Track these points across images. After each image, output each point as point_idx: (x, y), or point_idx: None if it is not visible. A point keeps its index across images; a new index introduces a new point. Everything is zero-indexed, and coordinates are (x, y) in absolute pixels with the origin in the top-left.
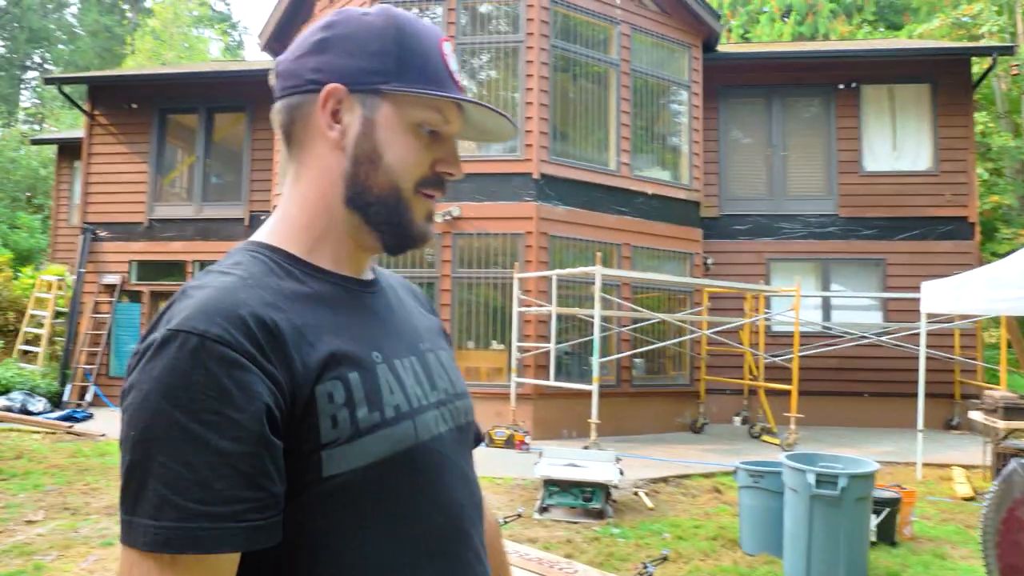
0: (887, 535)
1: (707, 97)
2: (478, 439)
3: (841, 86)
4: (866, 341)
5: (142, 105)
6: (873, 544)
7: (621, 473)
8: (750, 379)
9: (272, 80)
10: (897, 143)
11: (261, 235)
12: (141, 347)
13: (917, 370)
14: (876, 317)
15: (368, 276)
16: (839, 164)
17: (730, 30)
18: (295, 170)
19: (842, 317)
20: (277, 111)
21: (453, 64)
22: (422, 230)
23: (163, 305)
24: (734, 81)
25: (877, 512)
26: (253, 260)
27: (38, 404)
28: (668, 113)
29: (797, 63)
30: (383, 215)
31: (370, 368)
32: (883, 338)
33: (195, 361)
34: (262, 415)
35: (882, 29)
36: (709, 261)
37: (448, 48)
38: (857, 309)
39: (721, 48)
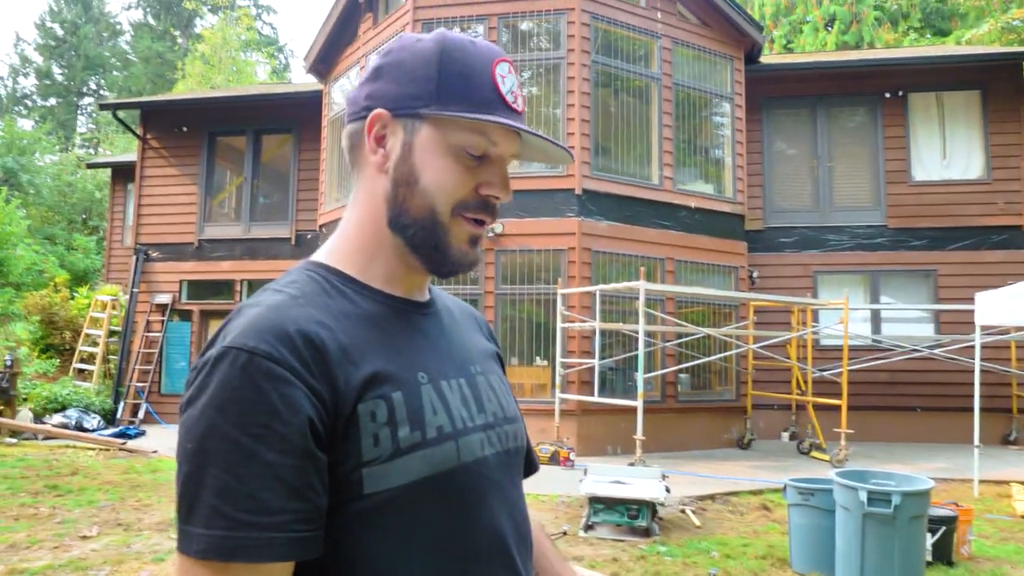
0: (944, 555)
1: (750, 109)
2: (532, 466)
3: (888, 95)
4: (918, 354)
5: (192, 128)
6: (929, 564)
7: (667, 490)
8: (798, 394)
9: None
10: (947, 151)
11: (320, 254)
12: (199, 362)
13: (972, 383)
14: (928, 329)
15: (423, 297)
16: (887, 174)
17: (772, 41)
18: (354, 192)
19: (892, 330)
20: (343, 136)
21: (507, 85)
22: (459, 255)
23: (214, 323)
24: (777, 92)
25: (933, 531)
26: (308, 279)
27: (92, 421)
28: (711, 126)
29: (842, 72)
30: (420, 238)
31: (414, 388)
32: (936, 351)
33: (245, 377)
34: (306, 429)
35: (929, 36)
36: (754, 274)
37: (503, 69)
38: (908, 321)
39: (764, 59)
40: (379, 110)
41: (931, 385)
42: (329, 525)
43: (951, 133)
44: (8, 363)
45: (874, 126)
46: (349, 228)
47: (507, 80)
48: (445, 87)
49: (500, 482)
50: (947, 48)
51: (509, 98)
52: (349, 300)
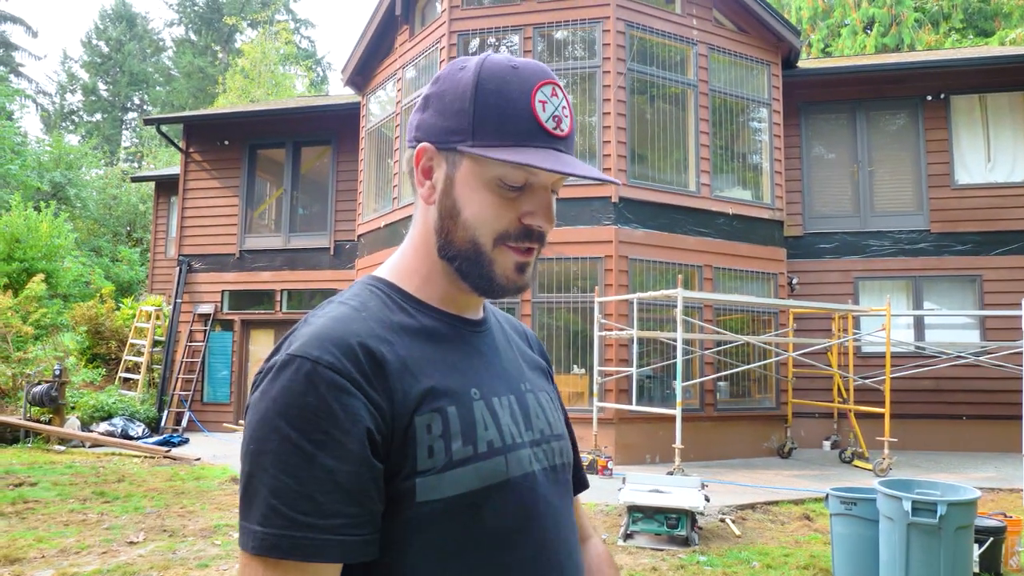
0: (991, 566)
1: (788, 114)
2: (582, 482)
3: (929, 97)
4: (963, 361)
5: (233, 141)
6: None
7: (707, 499)
8: (839, 402)
9: None
10: (991, 154)
11: (382, 270)
12: (265, 367)
13: (1020, 391)
14: (973, 336)
15: (477, 315)
16: (929, 178)
17: (810, 45)
18: (415, 214)
19: (936, 336)
20: (403, 160)
21: (547, 111)
22: (506, 282)
23: (255, 333)
24: (816, 97)
25: (980, 542)
26: (371, 294)
27: (137, 429)
28: (748, 132)
29: (881, 76)
30: (466, 267)
31: (467, 403)
32: (981, 358)
33: (308, 384)
34: (364, 438)
35: (971, 37)
36: (794, 281)
37: (545, 93)
38: (952, 328)
39: (802, 64)
40: (424, 144)
41: (977, 392)
42: (381, 531)
43: (995, 135)
44: (57, 372)
45: (915, 129)
46: (408, 249)
47: (548, 105)
48: (479, 122)
49: (547, 496)
50: (990, 49)
51: (550, 125)
52: (409, 315)
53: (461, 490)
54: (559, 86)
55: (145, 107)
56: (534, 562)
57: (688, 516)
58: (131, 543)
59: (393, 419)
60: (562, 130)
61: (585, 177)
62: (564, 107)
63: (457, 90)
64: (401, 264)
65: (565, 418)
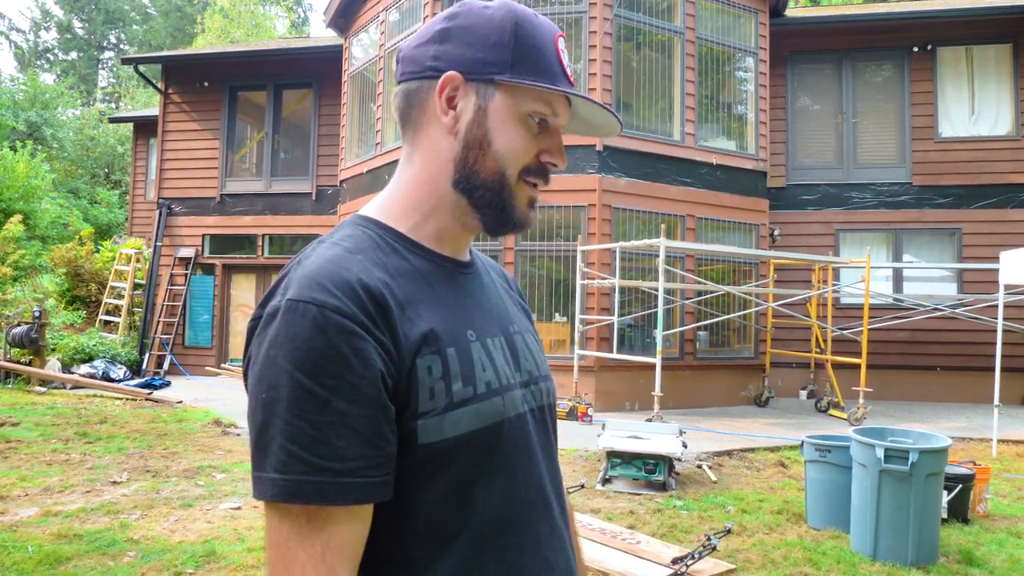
0: (959, 512)
1: (774, 64)
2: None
3: (916, 49)
4: (940, 313)
5: (213, 83)
6: (944, 521)
7: (684, 446)
8: (817, 352)
9: (394, 65)
10: (976, 107)
11: (370, 210)
12: (262, 313)
13: (994, 343)
14: (951, 289)
15: (466, 257)
16: (913, 130)
17: None
18: (408, 151)
19: (915, 289)
20: (396, 95)
21: (566, 60)
22: (523, 215)
23: (236, 277)
24: (802, 47)
25: (949, 489)
26: (362, 235)
27: (119, 371)
28: (734, 81)
29: (869, 26)
30: (487, 199)
31: (464, 345)
32: (958, 310)
33: (315, 330)
34: (378, 381)
35: None
36: (776, 232)
37: (562, 44)
38: (931, 281)
39: (789, 12)
40: (451, 72)
41: (952, 344)
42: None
43: (980, 88)
44: (36, 314)
45: (901, 81)
46: (402, 186)
47: (565, 54)
48: (521, 56)
49: (537, 436)
50: (978, 0)
51: (569, 71)
52: (402, 257)
53: (461, 431)
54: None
55: (122, 46)
56: (531, 501)
57: (666, 462)
58: (114, 483)
59: (399, 361)
60: (572, 79)
61: (605, 108)
62: (570, 61)
63: (492, 24)
64: (394, 202)
65: None
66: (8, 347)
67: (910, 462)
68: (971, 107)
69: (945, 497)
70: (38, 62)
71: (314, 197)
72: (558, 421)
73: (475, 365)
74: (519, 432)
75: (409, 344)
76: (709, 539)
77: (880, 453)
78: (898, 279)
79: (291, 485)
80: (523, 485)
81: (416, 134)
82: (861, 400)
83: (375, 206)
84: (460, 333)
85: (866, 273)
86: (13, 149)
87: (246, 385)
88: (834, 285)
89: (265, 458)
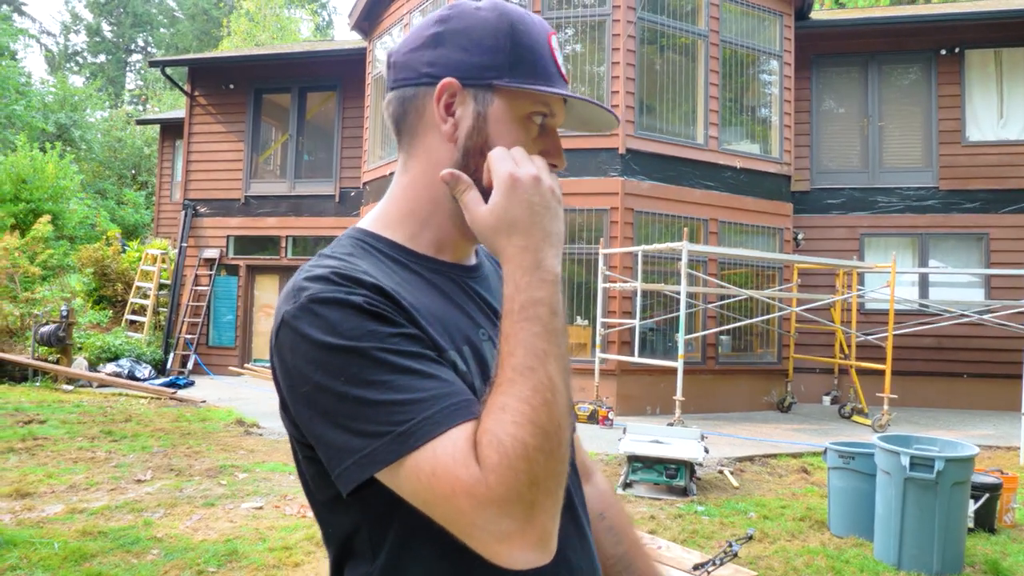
0: (986, 522)
1: (799, 67)
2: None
3: (943, 51)
4: (966, 319)
5: (239, 85)
6: (971, 531)
7: (706, 451)
8: (841, 358)
9: (385, 71)
10: (1004, 110)
11: (367, 222)
12: (283, 321)
13: (1022, 350)
14: (978, 294)
15: (471, 261)
16: (940, 134)
17: None
18: (404, 159)
19: (941, 294)
20: (389, 101)
21: (560, 58)
22: None
23: (260, 278)
24: (828, 49)
25: (975, 498)
26: (363, 251)
27: (144, 371)
28: (758, 84)
29: (895, 28)
30: None
31: (478, 344)
32: (985, 316)
33: (347, 310)
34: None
35: None
36: (799, 236)
37: (555, 42)
38: (957, 286)
39: (814, 15)
40: (448, 79)
41: (979, 351)
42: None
43: (1009, 91)
44: (64, 313)
45: (928, 84)
46: (399, 194)
47: (558, 53)
48: (517, 59)
49: None
50: (1008, 2)
51: (563, 69)
52: (404, 267)
53: None
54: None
55: (149, 49)
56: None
57: (687, 467)
58: (139, 481)
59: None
60: (567, 78)
61: (599, 106)
62: (563, 58)
63: (487, 27)
64: (391, 212)
65: None
66: (36, 345)
67: (936, 470)
68: (999, 111)
69: (971, 506)
70: (68, 65)
71: (337, 199)
72: (580, 425)
73: (490, 365)
74: None
75: (436, 341)
76: (730, 545)
77: (905, 461)
78: (924, 284)
79: (435, 415)
80: None
81: (413, 142)
82: (885, 406)
83: (371, 218)
84: (472, 333)
85: (891, 278)
86: (43, 150)
87: (282, 394)
88: (859, 290)
89: (368, 423)
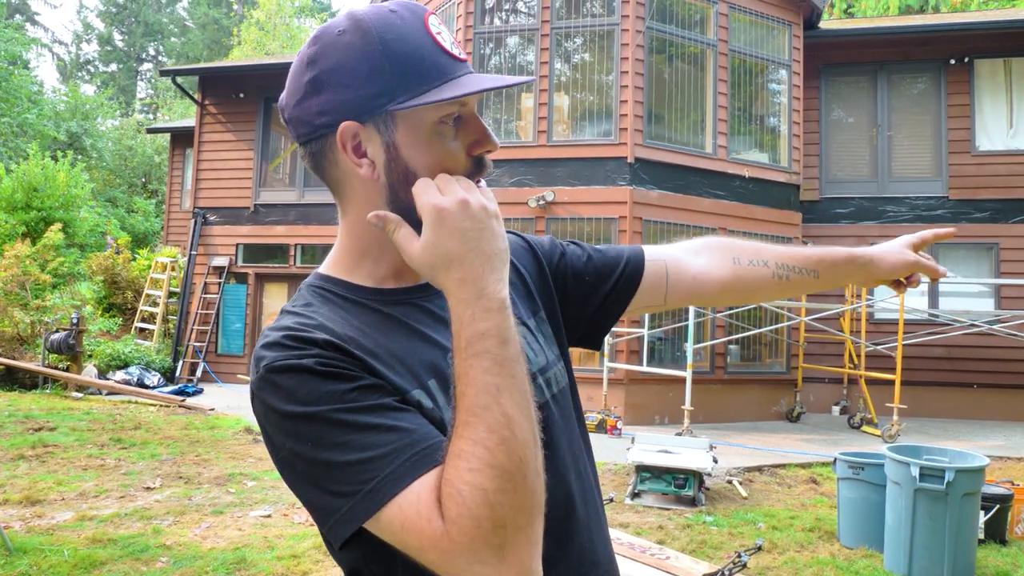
0: (997, 533)
1: (808, 76)
2: (636, 262)
3: (953, 61)
4: (977, 329)
5: (248, 94)
6: (981, 542)
7: (715, 461)
8: (850, 368)
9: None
10: (1014, 120)
11: (325, 266)
12: (254, 387)
13: None
14: (988, 304)
15: None
16: (949, 144)
17: (832, 5)
18: (341, 207)
19: (951, 304)
20: (303, 156)
21: (446, 39)
22: None
23: (269, 286)
24: (837, 59)
25: (986, 509)
26: (322, 300)
27: (153, 378)
28: (767, 93)
29: (905, 38)
30: None
31: (445, 372)
32: (995, 326)
33: (297, 376)
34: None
35: None
36: (809, 245)
37: (435, 23)
38: (967, 296)
39: (823, 24)
40: (345, 123)
41: (989, 361)
42: None
43: (1019, 100)
44: (74, 321)
45: (937, 94)
46: (347, 238)
47: (443, 35)
48: (401, 75)
49: (561, 425)
50: (1017, 12)
51: (455, 51)
52: (364, 307)
53: None
54: (434, 12)
55: (160, 58)
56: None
57: (696, 477)
58: (148, 488)
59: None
60: (462, 54)
61: (512, 85)
62: (447, 32)
63: (357, 54)
64: (342, 256)
65: (575, 253)
66: (47, 353)
67: (946, 481)
68: (1009, 120)
69: (982, 517)
70: (79, 74)
71: None
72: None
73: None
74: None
75: (392, 386)
76: (739, 556)
77: (915, 471)
78: (934, 294)
79: (403, 465)
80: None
81: (341, 190)
82: (895, 417)
83: (328, 262)
84: (438, 361)
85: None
86: (54, 159)
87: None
88: (868, 300)
89: (343, 483)
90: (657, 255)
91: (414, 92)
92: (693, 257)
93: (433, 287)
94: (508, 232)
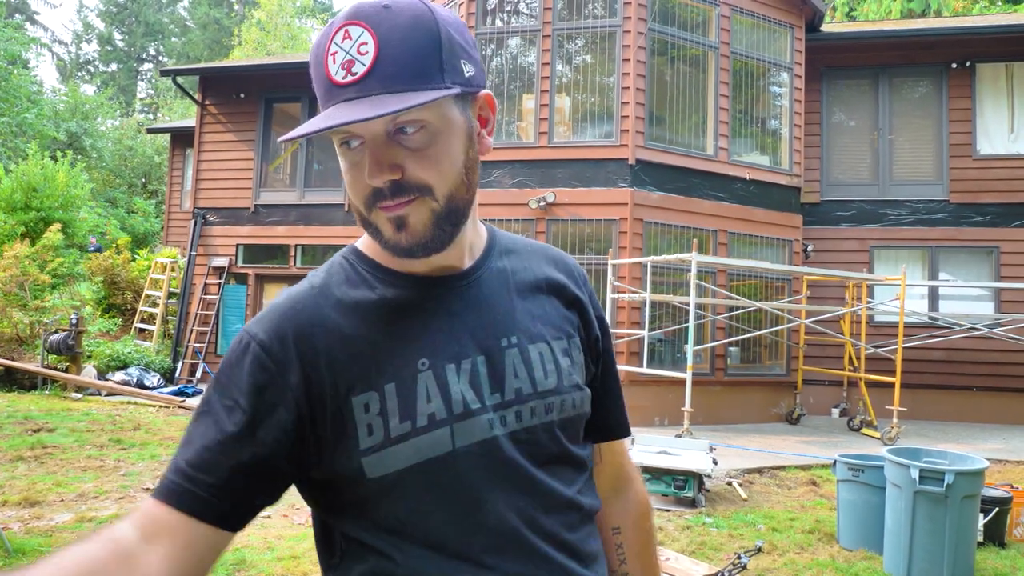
0: (996, 536)
1: (810, 79)
2: (610, 430)
3: (954, 65)
4: (977, 333)
5: (249, 94)
6: (980, 545)
7: (714, 462)
8: (850, 370)
9: None
10: (1015, 124)
11: (360, 240)
12: None
13: None
14: (988, 308)
15: (459, 267)
16: (950, 147)
17: (835, 8)
18: None
19: (951, 307)
20: None
21: (337, 62)
22: (389, 241)
23: (269, 287)
24: (839, 62)
25: (985, 512)
26: (340, 268)
27: (152, 379)
28: (768, 96)
29: (907, 41)
30: (367, 233)
31: (409, 377)
32: (995, 330)
33: (241, 356)
34: (263, 416)
35: (1000, 3)
36: (809, 248)
37: (337, 43)
38: (967, 299)
39: (825, 27)
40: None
41: (989, 365)
42: (343, 506)
43: (1020, 105)
44: (73, 321)
45: (939, 97)
46: None
47: (339, 54)
48: (316, 93)
49: (515, 461)
50: (1020, 16)
51: (339, 76)
52: (369, 287)
53: (401, 466)
54: (360, 23)
55: (160, 58)
56: (492, 532)
57: (695, 478)
58: (147, 489)
59: (323, 400)
60: (354, 74)
61: (369, 119)
62: (362, 44)
63: None
64: None
65: (604, 361)
66: (46, 353)
67: (946, 483)
68: (1010, 124)
69: (981, 520)
70: (79, 74)
71: (346, 208)
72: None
73: (418, 399)
74: (481, 460)
75: (343, 383)
76: (739, 557)
77: (915, 474)
78: (934, 297)
79: (161, 482)
80: (481, 515)
81: None
82: (895, 419)
83: (364, 236)
84: (408, 364)
85: (901, 291)
86: (54, 159)
87: None
88: (868, 302)
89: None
90: (619, 452)
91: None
92: (615, 495)
93: (463, 275)
94: (543, 247)
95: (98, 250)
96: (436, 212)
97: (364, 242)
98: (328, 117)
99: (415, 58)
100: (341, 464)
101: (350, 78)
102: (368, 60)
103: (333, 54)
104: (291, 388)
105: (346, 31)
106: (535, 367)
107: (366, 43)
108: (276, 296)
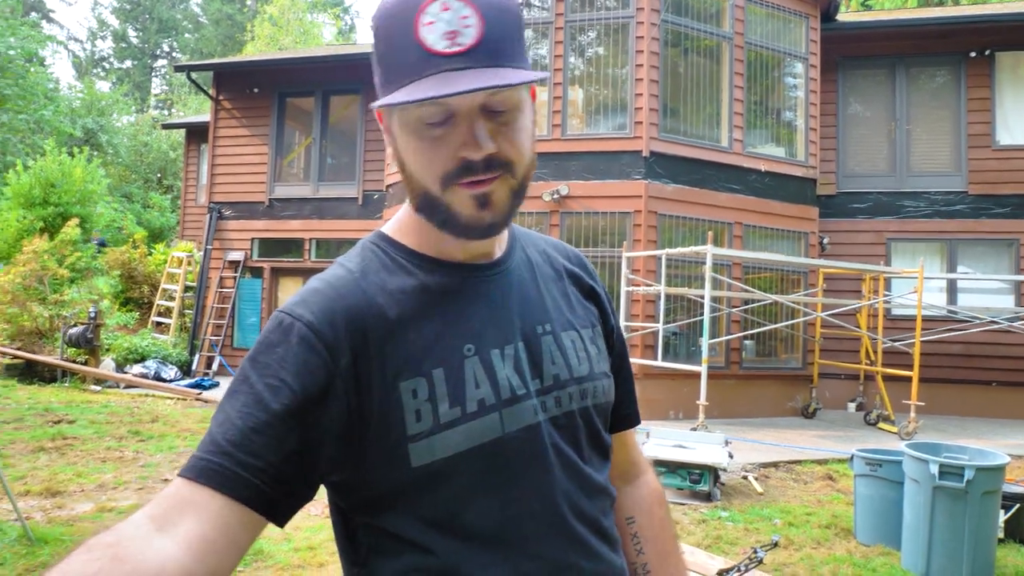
0: (1017, 532)
1: (825, 69)
2: (627, 420)
3: (973, 54)
4: (996, 326)
5: (263, 89)
6: (1001, 541)
7: (730, 456)
8: (867, 364)
9: None
10: None
11: (387, 226)
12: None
13: None
14: (1008, 301)
15: (490, 256)
16: (969, 138)
17: None
18: None
19: (969, 301)
20: None
21: (436, 31)
22: (472, 220)
23: (284, 280)
24: (855, 52)
25: (1006, 508)
26: (373, 255)
27: (170, 372)
28: (784, 87)
29: (924, 31)
30: (428, 215)
31: (457, 362)
32: (1015, 323)
33: (282, 335)
34: (311, 395)
35: None
36: (825, 241)
37: (433, 12)
38: (986, 293)
39: (841, 17)
40: (376, 103)
41: (1009, 359)
42: (376, 499)
43: None
44: (92, 315)
45: (957, 87)
46: (405, 203)
47: (438, 24)
48: (384, 71)
49: (559, 447)
50: None
51: (441, 45)
52: (407, 273)
53: (450, 452)
54: None
55: (174, 54)
56: (537, 516)
57: (711, 472)
58: (166, 480)
59: (370, 386)
60: (460, 44)
61: (488, 88)
62: (464, 17)
63: (374, 43)
64: (402, 217)
65: (618, 351)
66: (65, 346)
67: (966, 479)
68: None
69: (1002, 516)
70: (94, 70)
71: (360, 202)
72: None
73: (466, 384)
74: (528, 446)
75: (392, 369)
76: (755, 552)
77: (934, 469)
78: (952, 290)
79: (193, 460)
80: (531, 501)
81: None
82: (912, 414)
83: (391, 222)
84: (455, 350)
85: (919, 284)
86: (71, 155)
87: None
88: (885, 295)
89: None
90: (631, 442)
91: (389, 89)
92: (627, 485)
93: (495, 264)
94: (560, 243)
95: (102, 245)
96: (514, 190)
97: (393, 228)
98: (448, 83)
99: (510, 36)
100: (384, 454)
101: (456, 48)
102: (474, 33)
103: (429, 24)
104: (340, 373)
105: (444, 3)
106: (569, 354)
107: (467, 16)
108: (309, 282)
